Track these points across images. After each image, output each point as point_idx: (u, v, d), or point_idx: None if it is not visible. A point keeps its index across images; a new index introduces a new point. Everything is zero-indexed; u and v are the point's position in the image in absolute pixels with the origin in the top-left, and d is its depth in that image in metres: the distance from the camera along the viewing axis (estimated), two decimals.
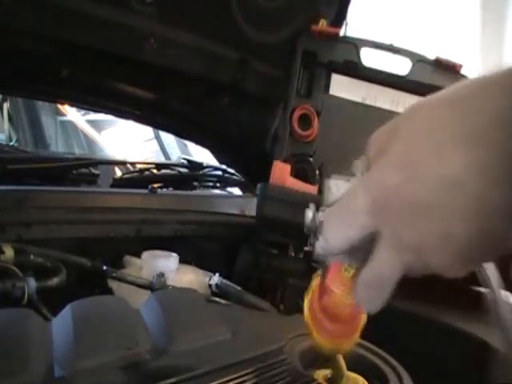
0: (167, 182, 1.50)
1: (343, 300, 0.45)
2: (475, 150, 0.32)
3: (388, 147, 0.36)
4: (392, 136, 0.37)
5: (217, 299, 0.82)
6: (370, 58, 1.07)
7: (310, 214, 0.42)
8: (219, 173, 1.59)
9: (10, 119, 2.23)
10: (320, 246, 0.40)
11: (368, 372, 0.56)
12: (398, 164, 0.35)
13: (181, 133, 1.47)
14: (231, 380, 0.49)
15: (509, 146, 0.31)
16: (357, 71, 1.07)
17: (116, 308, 0.57)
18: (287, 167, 0.93)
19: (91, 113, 2.67)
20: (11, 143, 2.12)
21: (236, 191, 1.56)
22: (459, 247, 0.34)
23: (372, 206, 0.36)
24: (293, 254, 1.03)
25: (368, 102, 1.07)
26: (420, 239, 0.35)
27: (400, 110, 1.09)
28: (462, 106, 0.34)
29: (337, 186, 0.42)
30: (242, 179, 1.52)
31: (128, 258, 0.94)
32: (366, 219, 0.37)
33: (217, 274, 0.88)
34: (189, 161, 1.74)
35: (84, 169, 1.32)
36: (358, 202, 0.37)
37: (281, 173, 0.91)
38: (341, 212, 0.39)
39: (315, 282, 0.49)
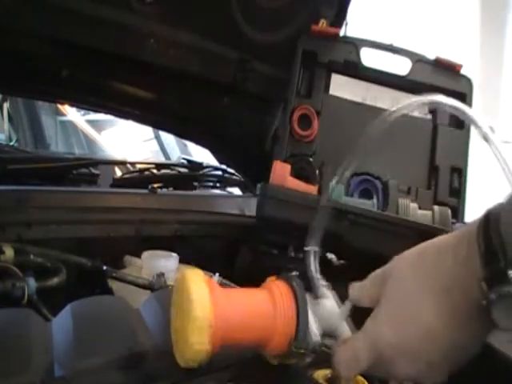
0: (167, 182, 1.50)
1: None
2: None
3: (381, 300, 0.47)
4: (382, 289, 0.48)
5: None
6: (370, 58, 1.06)
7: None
8: (219, 173, 1.59)
9: (10, 119, 2.23)
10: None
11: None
12: (392, 323, 0.46)
13: (181, 133, 1.47)
14: (231, 380, 0.49)
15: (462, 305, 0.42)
16: (357, 71, 1.06)
17: (116, 308, 0.57)
18: (287, 167, 0.93)
19: (91, 113, 2.66)
20: (11, 143, 2.12)
21: (236, 191, 1.56)
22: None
23: (374, 358, 0.47)
24: (293, 254, 1.03)
25: (368, 102, 1.06)
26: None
27: None
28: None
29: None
30: (242, 179, 1.51)
31: (128, 258, 0.94)
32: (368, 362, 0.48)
33: (217, 274, 0.88)
34: (189, 161, 1.75)
35: (84, 169, 1.32)
36: (362, 357, 0.47)
37: (281, 173, 0.91)
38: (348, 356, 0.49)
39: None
